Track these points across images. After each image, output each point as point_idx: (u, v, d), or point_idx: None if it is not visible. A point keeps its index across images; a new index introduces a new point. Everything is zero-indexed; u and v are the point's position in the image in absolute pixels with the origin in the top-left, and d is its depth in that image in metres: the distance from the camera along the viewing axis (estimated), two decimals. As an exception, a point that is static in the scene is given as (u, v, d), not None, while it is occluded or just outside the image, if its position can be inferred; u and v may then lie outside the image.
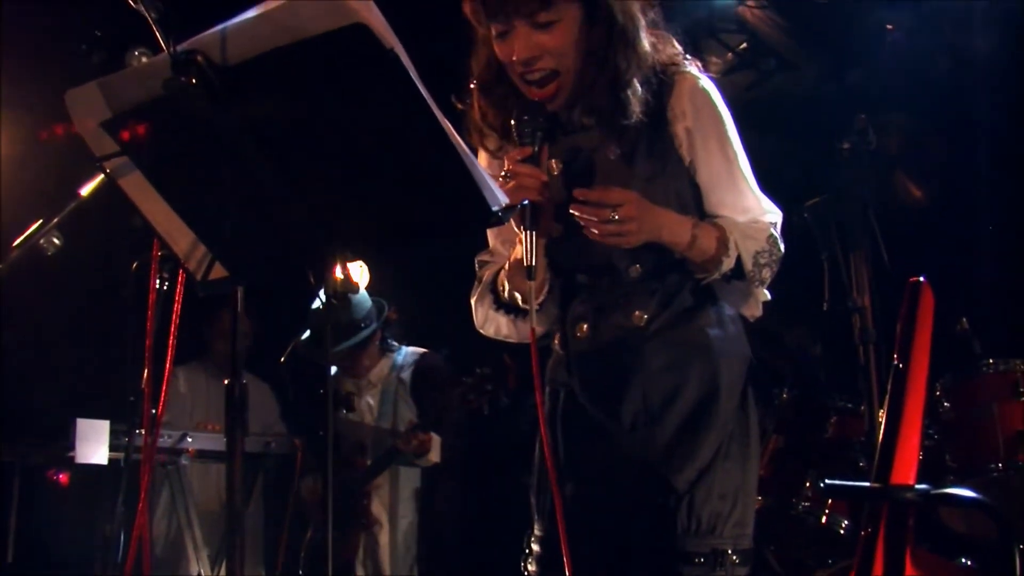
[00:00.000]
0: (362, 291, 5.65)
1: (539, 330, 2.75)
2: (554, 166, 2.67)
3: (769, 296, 2.74)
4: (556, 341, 2.82)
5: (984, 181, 6.06)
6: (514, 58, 2.53)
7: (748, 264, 2.60)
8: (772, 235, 2.65)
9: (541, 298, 2.71)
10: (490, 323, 2.85)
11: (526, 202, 2.43)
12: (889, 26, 6.36)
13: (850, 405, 4.72)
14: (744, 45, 6.68)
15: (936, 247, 5.74)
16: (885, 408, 3.32)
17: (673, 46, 2.70)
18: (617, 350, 2.67)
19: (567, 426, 2.74)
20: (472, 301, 2.87)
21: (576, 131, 2.69)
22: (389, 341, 5.89)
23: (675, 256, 2.62)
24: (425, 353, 5.84)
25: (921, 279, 3.55)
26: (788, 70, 6.60)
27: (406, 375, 5.77)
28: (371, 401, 5.79)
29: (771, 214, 2.70)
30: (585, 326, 2.72)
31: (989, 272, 5.90)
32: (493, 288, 2.80)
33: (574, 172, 2.64)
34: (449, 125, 1.90)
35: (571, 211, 2.48)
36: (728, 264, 2.59)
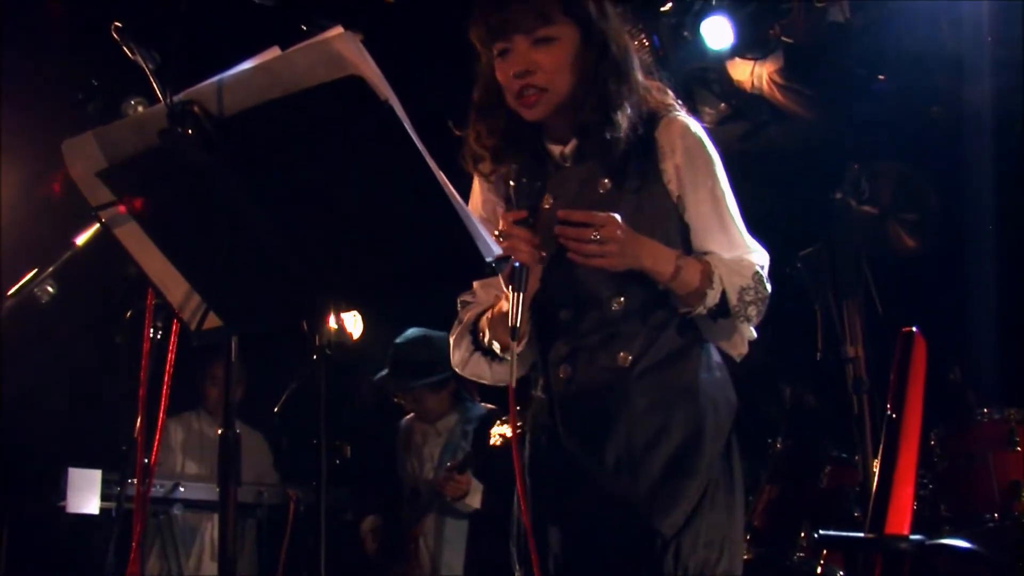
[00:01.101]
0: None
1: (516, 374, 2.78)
2: (546, 199, 2.70)
3: (755, 335, 2.72)
4: (539, 386, 2.81)
5: (977, 229, 6.08)
6: (511, 72, 2.61)
7: (733, 299, 2.59)
8: (758, 273, 2.64)
9: (520, 348, 2.68)
10: (469, 365, 2.85)
11: (516, 264, 2.45)
12: (881, 76, 6.40)
13: (844, 455, 4.72)
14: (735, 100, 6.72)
15: (930, 296, 5.76)
16: (879, 458, 3.32)
17: (666, 93, 2.77)
18: (601, 392, 2.66)
19: (551, 472, 2.72)
20: (451, 339, 2.88)
21: (569, 167, 2.74)
22: (464, 394, 5.85)
23: (659, 289, 2.62)
24: (495, 410, 5.78)
25: (914, 329, 3.55)
26: (780, 120, 6.64)
27: (471, 428, 5.73)
28: (434, 451, 5.77)
29: (758, 254, 2.70)
30: (568, 368, 2.71)
31: (983, 321, 5.90)
32: (474, 331, 2.81)
33: (564, 205, 2.65)
34: (443, 176, 1.92)
35: (555, 232, 2.50)
36: (712, 298, 2.58)
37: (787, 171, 6.01)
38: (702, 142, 2.69)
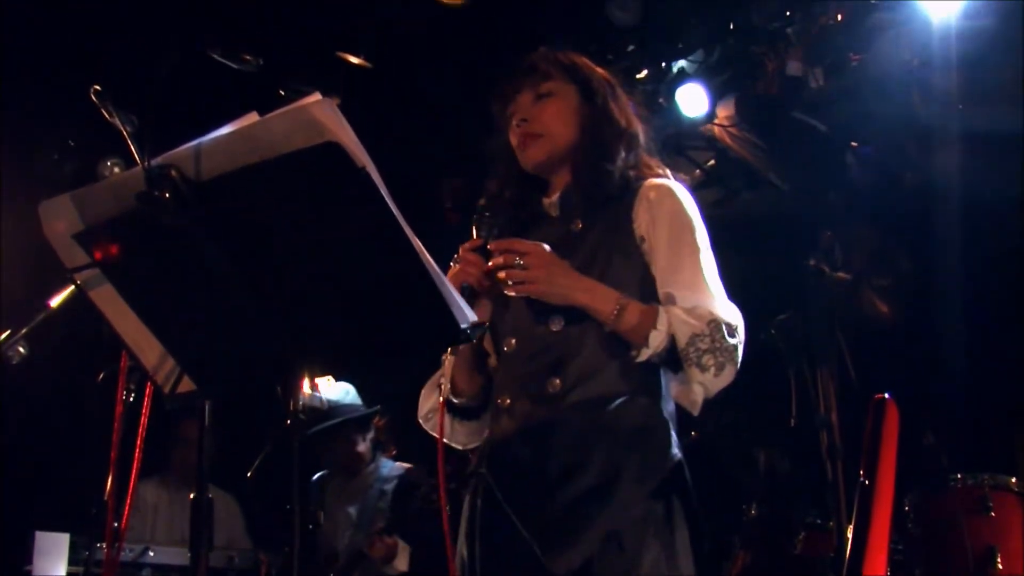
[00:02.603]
0: (347, 387, 5.78)
1: (477, 436, 2.90)
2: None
3: (714, 389, 2.62)
4: (488, 430, 2.84)
5: (948, 295, 6.13)
6: (514, 123, 2.82)
7: (682, 342, 2.55)
8: (716, 321, 2.57)
9: (473, 391, 2.83)
10: (431, 419, 2.89)
11: (465, 285, 2.60)
12: (854, 143, 6.48)
13: (819, 521, 4.72)
14: (712, 162, 6.79)
15: (903, 362, 5.79)
16: (853, 524, 3.33)
17: (662, 166, 2.91)
18: (531, 423, 2.66)
19: (484, 526, 2.70)
20: (423, 392, 2.93)
21: (554, 215, 2.86)
22: (380, 448, 5.91)
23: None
24: (409, 468, 5.81)
25: (886, 396, 3.58)
26: (755, 187, 6.71)
27: (389, 487, 5.74)
28: (351, 511, 5.75)
29: (724, 308, 2.64)
30: (507, 397, 2.74)
31: (956, 387, 5.94)
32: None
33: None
34: (419, 242, 1.93)
35: (490, 264, 2.61)
36: (657, 340, 2.56)
37: (761, 237, 6.07)
38: (682, 199, 2.75)
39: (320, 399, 5.73)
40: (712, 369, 2.57)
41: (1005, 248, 6.02)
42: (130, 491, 2.85)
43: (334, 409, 5.75)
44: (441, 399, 2.78)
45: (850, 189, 6.36)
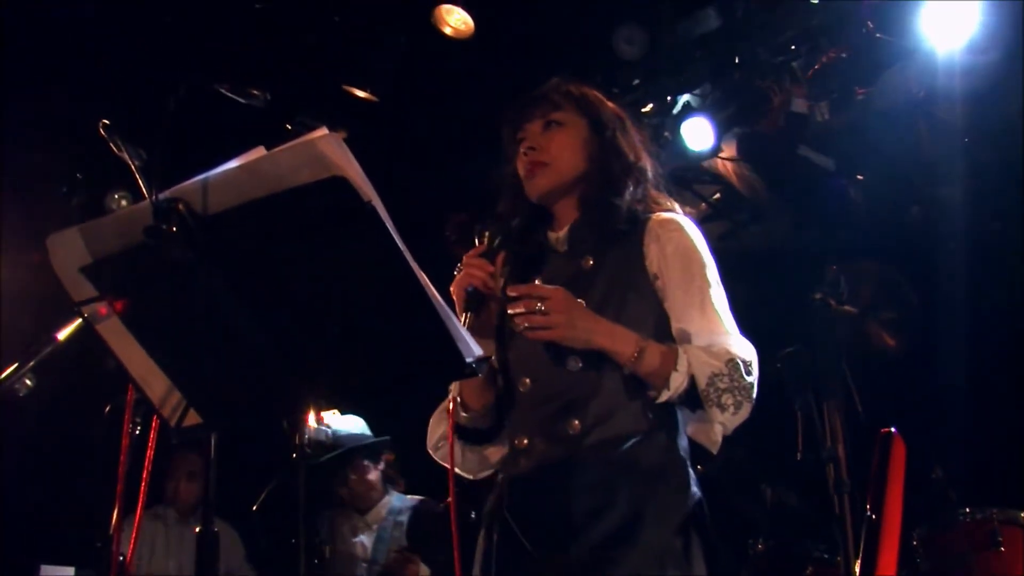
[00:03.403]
0: (356, 419, 5.86)
1: (488, 463, 2.89)
2: (537, 283, 2.78)
3: (731, 428, 2.65)
4: (503, 467, 2.83)
5: (955, 327, 6.12)
6: (521, 151, 2.81)
7: (702, 383, 2.55)
8: (733, 360, 2.58)
9: (481, 406, 2.80)
10: (443, 448, 2.85)
11: (471, 288, 2.62)
12: (859, 176, 6.49)
13: (826, 555, 4.70)
14: (717, 195, 6.80)
15: (910, 396, 5.77)
16: (860, 558, 3.31)
17: (670, 200, 2.91)
18: (551, 462, 2.66)
19: (502, 565, 2.70)
20: (431, 420, 2.91)
21: (563, 251, 2.85)
22: (391, 481, 5.98)
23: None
24: (423, 500, 5.88)
25: (892, 430, 3.57)
26: (761, 220, 6.71)
27: (403, 519, 5.81)
28: (366, 541, 5.80)
29: (739, 345, 2.66)
30: (524, 438, 2.73)
31: (964, 420, 5.92)
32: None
33: (550, 283, 2.74)
34: (424, 277, 1.94)
35: (507, 310, 2.60)
36: (678, 381, 2.56)
37: (767, 271, 6.06)
38: (691, 234, 2.76)
39: (326, 432, 5.77)
40: (731, 408, 2.58)
41: (1011, 281, 6.02)
42: (136, 525, 2.85)
43: (345, 439, 5.81)
44: (479, 403, 2.77)
45: (856, 222, 6.36)
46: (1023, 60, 5.40)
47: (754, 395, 2.62)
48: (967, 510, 4.50)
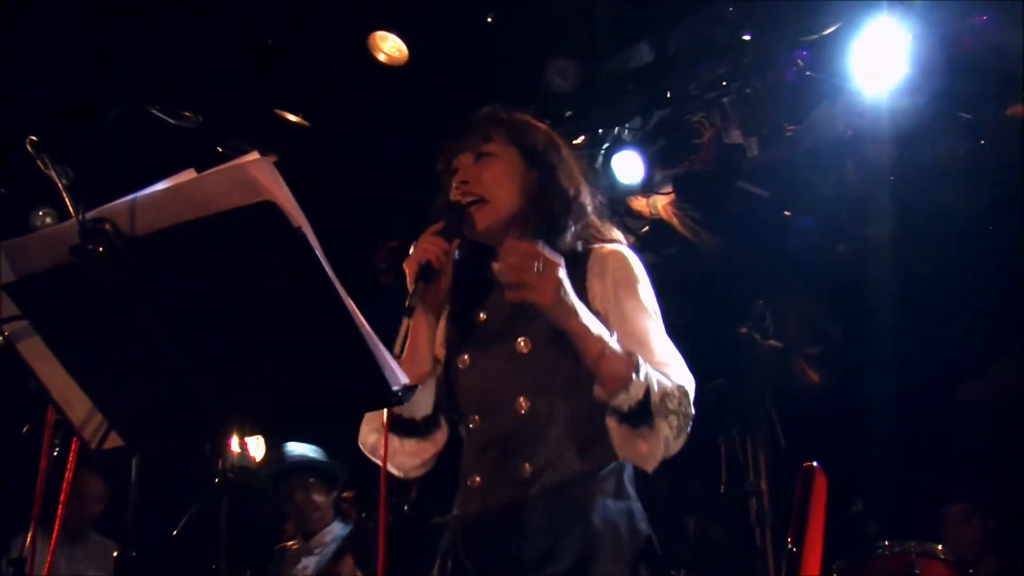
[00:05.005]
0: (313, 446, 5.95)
1: (421, 458, 2.83)
2: (482, 315, 2.81)
3: (674, 451, 2.60)
4: (456, 503, 2.81)
5: (878, 363, 6.21)
6: (454, 183, 2.79)
7: (656, 398, 2.52)
8: (683, 387, 2.58)
9: (422, 382, 2.74)
10: (376, 446, 2.79)
11: (424, 262, 2.65)
12: (787, 212, 6.57)
13: (748, 588, 4.74)
14: (646, 228, 6.84)
15: (833, 431, 5.85)
16: (781, 592, 3.34)
17: (612, 229, 2.91)
18: (503, 506, 2.66)
19: None
20: (364, 416, 2.85)
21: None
22: (338, 514, 6.01)
23: (571, 401, 2.64)
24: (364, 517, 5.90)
25: (814, 464, 3.62)
26: (689, 255, 6.77)
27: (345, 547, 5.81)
28: (308, 564, 5.85)
29: (684, 375, 2.64)
30: (477, 478, 2.72)
31: (885, 455, 6.01)
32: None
33: (495, 319, 2.77)
34: (352, 304, 1.94)
35: (500, 263, 2.56)
36: (636, 390, 2.51)
37: (693, 304, 6.12)
38: (634, 267, 2.76)
39: (250, 458, 5.76)
40: (675, 430, 2.56)
41: (935, 320, 6.13)
42: (51, 548, 2.82)
43: (294, 458, 5.84)
44: (422, 379, 2.73)
45: (785, 258, 6.44)
46: (948, 101, 5.52)
47: (690, 426, 2.61)
48: (886, 543, 4.56)
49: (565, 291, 2.52)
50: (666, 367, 2.63)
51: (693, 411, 2.61)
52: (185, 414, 2.17)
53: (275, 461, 5.93)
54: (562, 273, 2.53)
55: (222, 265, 1.95)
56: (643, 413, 2.54)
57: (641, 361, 2.55)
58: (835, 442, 5.51)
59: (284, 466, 5.88)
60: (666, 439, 2.57)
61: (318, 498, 5.90)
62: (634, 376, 2.52)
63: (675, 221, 6.59)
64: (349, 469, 5.97)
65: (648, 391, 2.53)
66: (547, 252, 2.54)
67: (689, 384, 2.63)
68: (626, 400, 2.54)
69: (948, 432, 5.89)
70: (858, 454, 5.84)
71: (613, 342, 2.55)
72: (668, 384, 2.56)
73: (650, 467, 2.63)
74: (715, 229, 6.58)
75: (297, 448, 5.94)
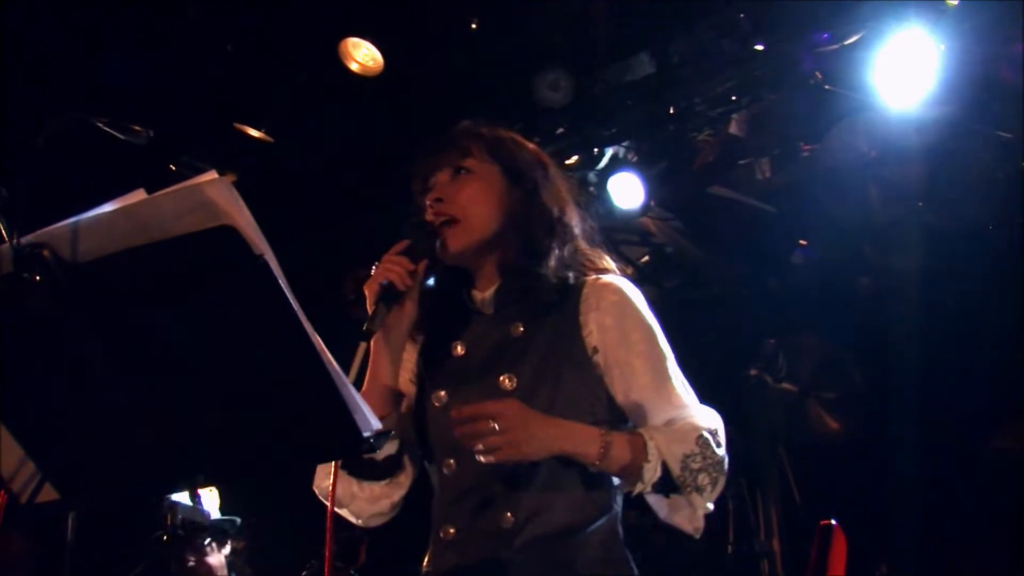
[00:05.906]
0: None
1: (381, 505, 2.82)
2: (457, 346, 2.81)
3: (711, 506, 2.67)
4: (427, 556, 2.81)
5: (906, 413, 6.18)
6: (428, 202, 2.81)
7: (675, 469, 2.55)
8: (703, 436, 2.60)
9: (385, 412, 2.73)
10: (326, 478, 2.73)
11: (385, 283, 2.67)
12: (803, 241, 6.58)
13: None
14: (646, 258, 6.84)
15: (855, 485, 5.83)
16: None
17: (603, 257, 2.93)
18: (480, 561, 2.65)
19: None
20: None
21: (487, 314, 2.85)
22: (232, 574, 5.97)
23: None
24: None
25: (833, 522, 3.61)
26: (693, 286, 6.77)
27: None
28: None
29: (703, 416, 2.68)
30: (452, 529, 2.71)
31: (913, 514, 5.98)
32: None
33: (475, 353, 2.78)
34: (319, 340, 1.93)
35: (456, 434, 2.51)
36: (652, 472, 2.54)
37: (696, 342, 6.11)
38: (634, 300, 2.77)
39: (203, 512, 5.73)
40: (708, 487, 2.61)
41: (968, 360, 6.11)
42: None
43: (190, 517, 5.83)
44: (383, 410, 2.72)
45: (799, 292, 6.43)
46: (982, 118, 5.51)
47: (727, 466, 2.65)
48: (913, 612, 4.56)
49: (532, 430, 2.51)
50: (684, 410, 2.68)
51: (723, 449, 2.65)
52: (130, 463, 2.15)
53: (198, 524, 5.85)
54: (521, 412, 2.51)
55: (174, 297, 1.94)
56: (667, 487, 2.60)
57: (647, 440, 2.58)
58: (856, 498, 5.50)
59: (173, 529, 5.80)
60: (703, 507, 2.64)
61: (212, 560, 5.81)
62: (644, 463, 2.55)
63: (651, 227, 6.60)
64: (243, 522, 5.97)
65: (665, 465, 2.56)
66: (492, 404, 2.52)
67: (710, 423, 2.67)
68: (643, 487, 2.58)
69: (981, 486, 5.88)
70: (881, 511, 5.82)
71: (608, 434, 2.58)
72: (685, 446, 2.58)
73: (696, 534, 2.69)
74: (720, 254, 6.59)
75: (184, 501, 5.89)
